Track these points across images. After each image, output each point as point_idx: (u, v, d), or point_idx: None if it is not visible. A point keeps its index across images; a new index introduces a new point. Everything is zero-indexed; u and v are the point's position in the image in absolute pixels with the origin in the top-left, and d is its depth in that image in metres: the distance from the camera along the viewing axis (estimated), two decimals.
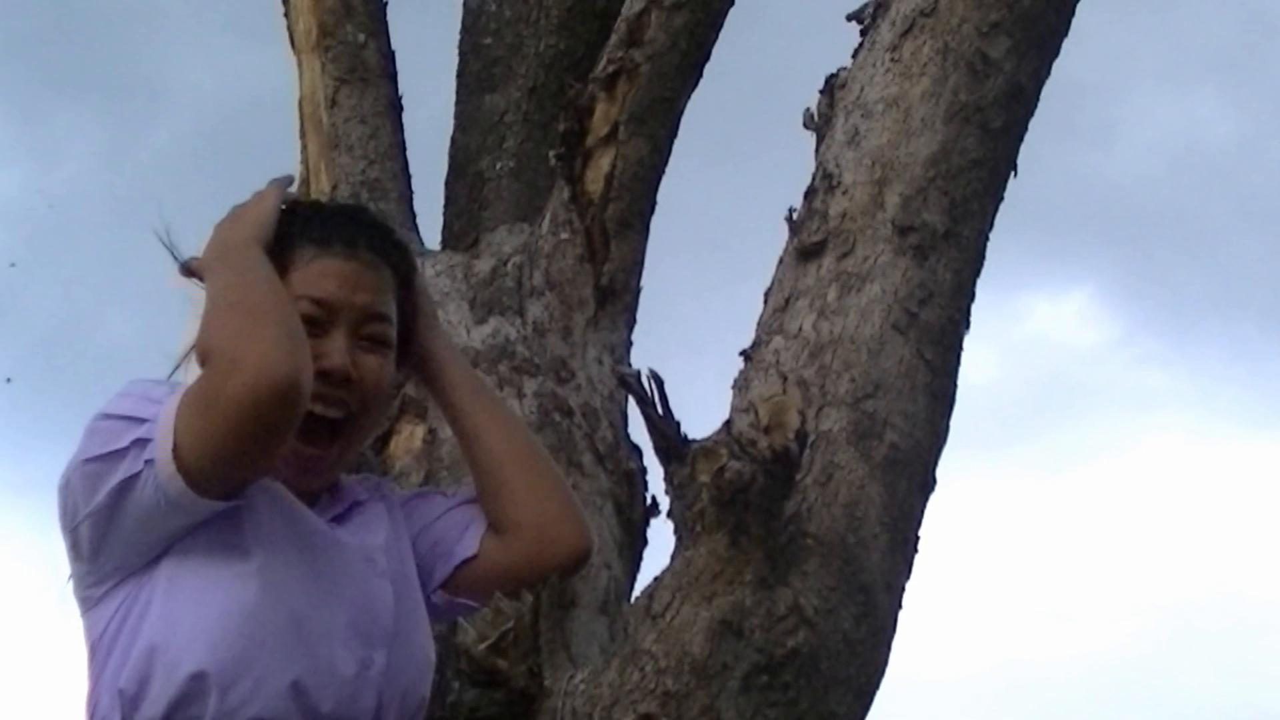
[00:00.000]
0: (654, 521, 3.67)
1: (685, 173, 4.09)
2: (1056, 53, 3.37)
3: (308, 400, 2.45)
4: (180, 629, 2.46)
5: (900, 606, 2.97)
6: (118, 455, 2.46)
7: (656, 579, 2.79)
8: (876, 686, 2.89)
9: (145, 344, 2.60)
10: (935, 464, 3.09)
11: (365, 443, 2.90)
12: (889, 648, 2.92)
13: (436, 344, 2.89)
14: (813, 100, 3.42)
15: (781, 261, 3.23)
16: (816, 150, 3.34)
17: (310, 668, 2.51)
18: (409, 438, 3.51)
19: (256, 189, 2.75)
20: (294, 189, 2.78)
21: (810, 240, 3.16)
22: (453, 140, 4.33)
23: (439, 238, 4.16)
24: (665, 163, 3.96)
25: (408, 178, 4.18)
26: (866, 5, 3.45)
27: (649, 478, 3.68)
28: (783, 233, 3.27)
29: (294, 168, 4.18)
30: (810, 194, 3.26)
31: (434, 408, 3.50)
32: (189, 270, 2.69)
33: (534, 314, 3.74)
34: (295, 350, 2.44)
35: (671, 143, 3.97)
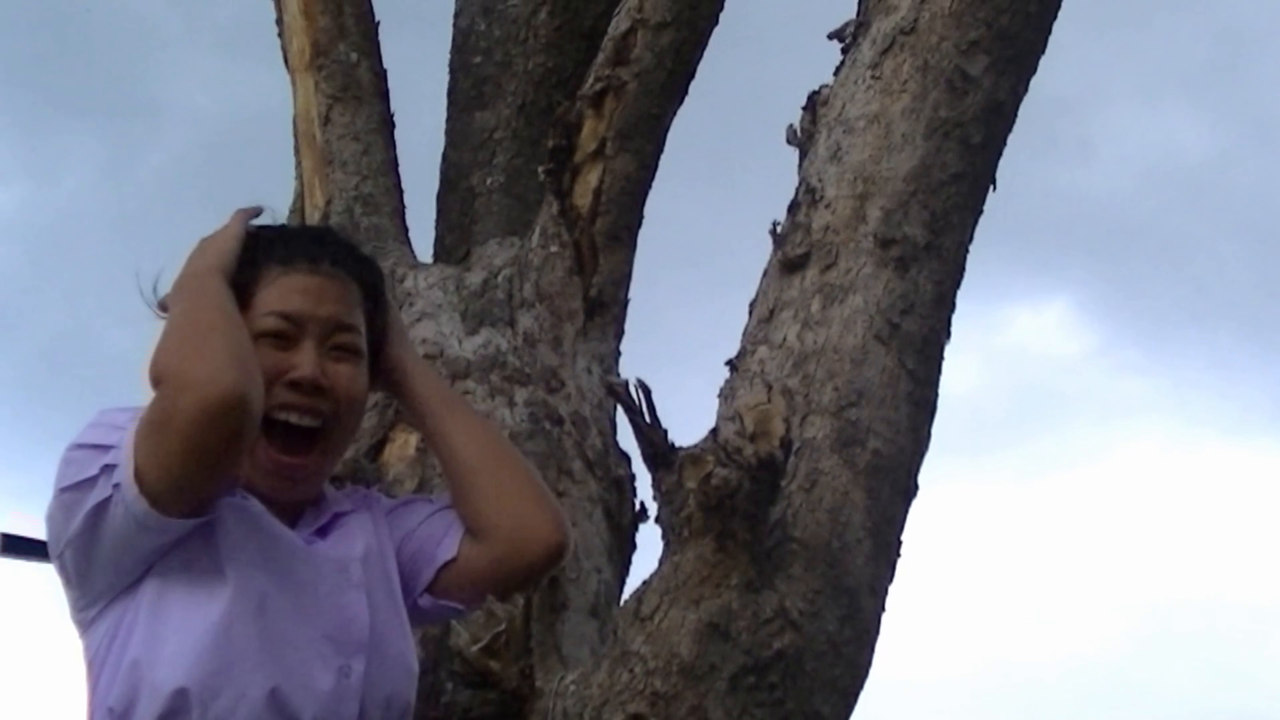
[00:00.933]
0: (643, 527, 3.68)
1: (672, 187, 4.10)
2: (1034, 70, 3.38)
3: (257, 415, 2.48)
4: (162, 648, 2.50)
5: (884, 609, 2.97)
6: (89, 483, 2.49)
7: (645, 583, 2.80)
8: (861, 687, 2.89)
9: (145, 355, 2.63)
10: (917, 470, 3.10)
11: (344, 451, 2.90)
12: (873, 649, 2.93)
13: (405, 356, 2.91)
14: (796, 116, 3.43)
15: (766, 273, 3.24)
16: (800, 165, 3.35)
17: (288, 679, 2.53)
18: (403, 445, 3.52)
19: (238, 209, 2.79)
20: (261, 218, 2.80)
21: (794, 253, 3.17)
22: (444, 156, 4.34)
23: (431, 251, 4.17)
24: (652, 178, 3.96)
25: (400, 193, 4.18)
26: (848, 24, 3.46)
27: (638, 484, 3.69)
28: (767, 245, 3.28)
29: (289, 184, 4.20)
30: (794, 208, 3.27)
31: None
32: (164, 306, 2.73)
33: (524, 325, 3.75)
34: (241, 367, 2.47)
35: (658, 158, 3.98)
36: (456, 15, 4.47)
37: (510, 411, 3.57)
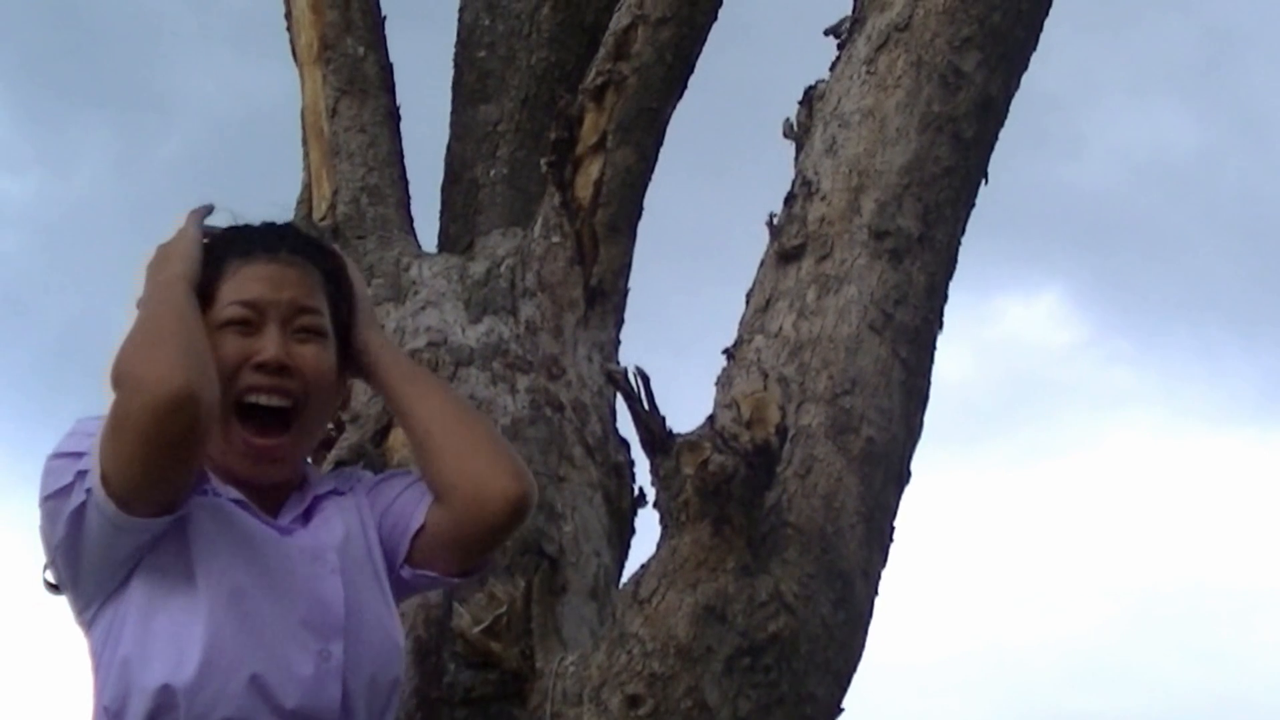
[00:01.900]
0: (641, 511, 3.68)
1: (671, 180, 4.09)
2: (1025, 66, 3.38)
3: (210, 413, 2.49)
4: (147, 646, 2.53)
5: (876, 593, 2.98)
6: (66, 490, 2.52)
7: (643, 566, 2.80)
8: (854, 669, 2.90)
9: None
10: (910, 457, 3.10)
11: (321, 432, 2.90)
12: (866, 632, 2.93)
13: (371, 338, 2.90)
14: (792, 111, 3.43)
15: (763, 264, 3.24)
16: (796, 158, 3.35)
17: (270, 667, 2.55)
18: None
19: (191, 210, 2.81)
20: (212, 218, 2.82)
21: (790, 244, 3.17)
22: (448, 148, 4.34)
23: (436, 241, 4.17)
24: (651, 170, 3.96)
25: (405, 184, 4.18)
26: (844, 20, 3.46)
27: (636, 470, 3.69)
28: (764, 237, 3.28)
29: (297, 175, 4.19)
30: (790, 200, 3.27)
31: None
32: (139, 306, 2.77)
33: (526, 314, 3.74)
34: (192, 366, 2.49)
35: (658, 151, 3.97)
36: (461, 10, 4.47)
37: (512, 398, 3.57)
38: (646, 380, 2.72)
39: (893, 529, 3.04)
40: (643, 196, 3.95)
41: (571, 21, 4.27)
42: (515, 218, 4.05)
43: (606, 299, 3.86)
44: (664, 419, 2.70)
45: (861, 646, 2.92)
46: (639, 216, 3.95)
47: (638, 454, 3.34)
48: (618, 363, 3.81)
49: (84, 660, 2.68)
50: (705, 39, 4.04)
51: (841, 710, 2.89)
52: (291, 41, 4.31)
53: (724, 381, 3.05)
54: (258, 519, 2.68)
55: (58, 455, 2.58)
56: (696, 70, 4.03)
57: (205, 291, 2.71)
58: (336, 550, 2.71)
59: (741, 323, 3.17)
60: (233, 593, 2.58)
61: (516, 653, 2.87)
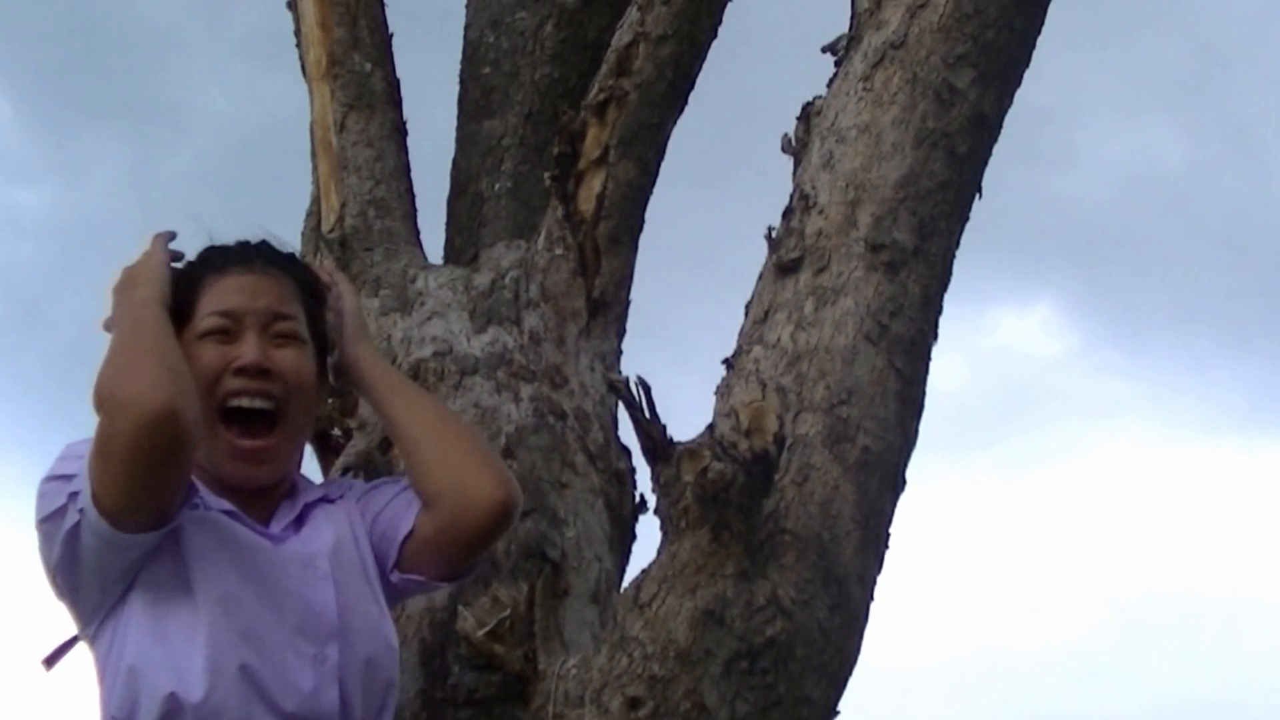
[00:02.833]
0: (642, 518, 3.68)
1: (672, 193, 4.10)
2: (1018, 83, 3.38)
3: (193, 427, 2.52)
4: (151, 656, 2.57)
5: (872, 598, 2.97)
6: (60, 512, 2.56)
7: (644, 571, 2.80)
8: (849, 673, 2.90)
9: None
10: (905, 466, 3.10)
11: (306, 433, 2.94)
12: (861, 636, 2.93)
13: (360, 352, 2.97)
14: (790, 126, 3.43)
15: (761, 276, 3.24)
16: (794, 173, 3.35)
17: (269, 673, 2.58)
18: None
19: (155, 234, 2.88)
20: (190, 239, 2.90)
21: (788, 257, 3.17)
22: (454, 162, 4.34)
23: (441, 253, 4.17)
24: (653, 184, 3.96)
25: (412, 197, 4.18)
26: (840, 38, 3.46)
27: (638, 477, 3.69)
28: (762, 250, 3.28)
29: (305, 188, 4.19)
30: (788, 214, 3.27)
31: None
32: (105, 326, 2.78)
33: (530, 324, 3.74)
34: (172, 383, 2.53)
35: (659, 165, 3.98)
36: (467, 28, 4.47)
37: (516, 406, 3.57)
38: (648, 389, 2.72)
39: (888, 535, 3.04)
40: (644, 209, 3.95)
41: (574, 39, 4.27)
42: (519, 230, 4.05)
43: (609, 310, 3.86)
44: (665, 427, 2.70)
45: (857, 650, 2.92)
46: (640, 229, 3.96)
47: (639, 461, 3.35)
48: (619, 372, 3.81)
49: (89, 669, 2.71)
50: (705, 56, 4.04)
51: (837, 712, 2.89)
52: (301, 57, 4.31)
53: (723, 391, 3.06)
54: (250, 529, 2.71)
55: (50, 479, 2.62)
56: (697, 86, 4.04)
57: (183, 308, 2.76)
58: (328, 557, 2.74)
59: (740, 333, 3.17)
60: (229, 602, 2.61)
61: (519, 655, 2.87)
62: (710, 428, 2.68)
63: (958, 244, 3.27)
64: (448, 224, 4.25)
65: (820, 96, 3.41)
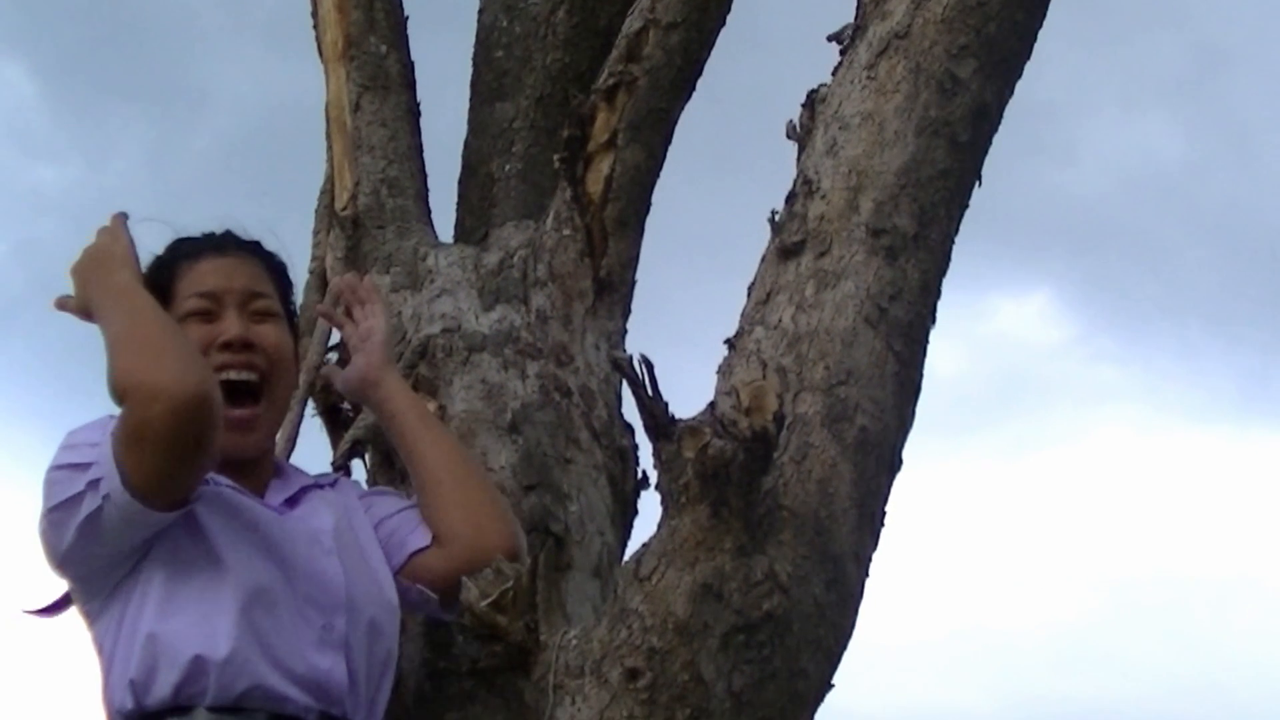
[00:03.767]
0: (644, 494, 3.68)
1: (678, 177, 4.10)
2: (1019, 75, 3.37)
3: (221, 407, 2.58)
4: (176, 622, 2.60)
5: (867, 575, 2.97)
6: (75, 499, 2.58)
7: (644, 546, 2.80)
8: (844, 648, 2.89)
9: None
10: (901, 446, 3.09)
11: (287, 404, 3.06)
12: (856, 613, 2.93)
13: (388, 375, 3.13)
14: (795, 113, 3.42)
15: (764, 259, 3.23)
16: (798, 159, 3.34)
17: (281, 636, 2.62)
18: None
19: (113, 214, 2.92)
20: (151, 232, 2.99)
21: (790, 240, 3.17)
22: (466, 144, 4.33)
23: (452, 232, 4.17)
24: (660, 168, 3.96)
25: (424, 177, 4.18)
26: (846, 27, 3.45)
27: (640, 454, 3.69)
28: (765, 233, 3.27)
29: (321, 167, 4.20)
30: (791, 198, 3.26)
31: (445, 385, 3.51)
32: (63, 305, 2.84)
33: (537, 303, 3.74)
34: (199, 368, 2.60)
35: (666, 149, 3.98)
36: (480, 12, 4.46)
37: (522, 383, 3.57)
38: (650, 368, 2.72)
39: (884, 514, 3.03)
40: (651, 193, 3.95)
41: (585, 24, 4.26)
42: (528, 211, 4.05)
43: (614, 290, 3.86)
44: (667, 405, 2.70)
45: (852, 626, 2.92)
46: (647, 212, 3.96)
47: (641, 438, 3.34)
48: (624, 351, 3.82)
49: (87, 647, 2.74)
50: (713, 43, 4.04)
51: (832, 686, 2.89)
52: (318, 40, 4.31)
53: (725, 370, 3.05)
54: (255, 502, 2.75)
55: (60, 468, 2.64)
56: (704, 73, 4.03)
57: (159, 296, 2.79)
58: (331, 535, 2.79)
59: (742, 314, 3.16)
60: (249, 572, 2.64)
61: (522, 626, 2.87)
62: (711, 406, 2.67)
63: (957, 231, 3.26)
64: (458, 204, 4.25)
65: (825, 84, 3.40)
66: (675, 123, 3.99)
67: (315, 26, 4.32)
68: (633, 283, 3.93)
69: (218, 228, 2.98)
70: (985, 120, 3.29)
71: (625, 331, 3.91)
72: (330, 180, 4.11)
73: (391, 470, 3.38)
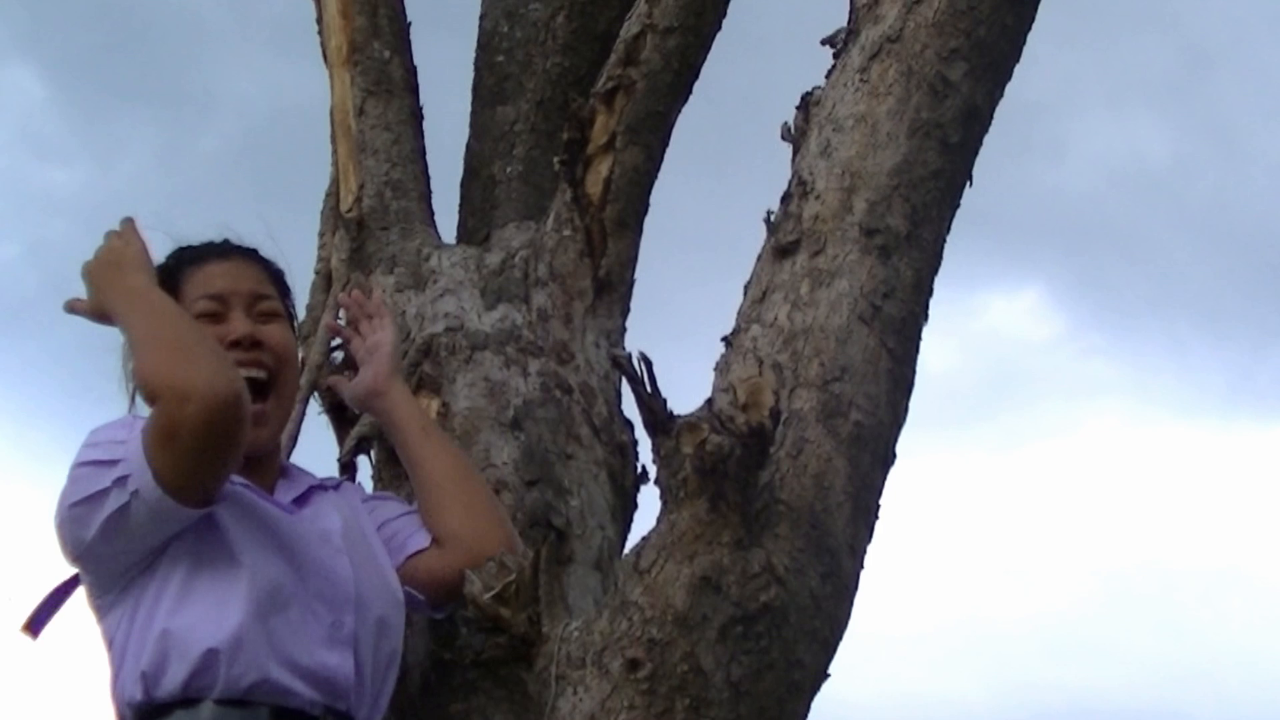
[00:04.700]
0: (643, 488, 3.68)
1: (676, 179, 4.10)
2: (1009, 77, 3.37)
3: (250, 407, 2.61)
4: (189, 618, 2.60)
5: (862, 567, 2.97)
6: (101, 495, 2.59)
7: (644, 539, 2.80)
8: (840, 639, 2.89)
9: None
10: (895, 441, 3.09)
11: (293, 403, 3.10)
12: (851, 604, 2.93)
13: (395, 385, 3.19)
14: (790, 115, 3.43)
15: (760, 259, 3.24)
16: (792, 160, 3.34)
17: (289, 631, 2.62)
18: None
19: (124, 219, 2.91)
20: (153, 242, 2.92)
21: (786, 240, 3.17)
22: (468, 147, 4.34)
23: (455, 233, 4.17)
24: (658, 169, 3.96)
25: (427, 179, 4.18)
26: (839, 31, 3.45)
27: (639, 449, 3.69)
28: (761, 233, 3.27)
29: (325, 170, 4.20)
30: (786, 199, 3.26)
31: (448, 382, 3.52)
32: (73, 308, 2.86)
33: (538, 302, 3.75)
34: (228, 368, 2.61)
35: (664, 151, 3.98)
36: (481, 18, 4.47)
37: (524, 381, 3.57)
38: (649, 365, 2.72)
39: (878, 507, 3.04)
40: (649, 194, 3.95)
41: (585, 29, 4.27)
42: (529, 212, 4.05)
43: (614, 289, 3.86)
44: (665, 401, 2.70)
45: (847, 617, 2.92)
46: (645, 212, 3.96)
47: (641, 434, 3.34)
48: (623, 349, 3.82)
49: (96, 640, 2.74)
50: (710, 47, 4.04)
51: (828, 676, 2.89)
52: (322, 44, 4.31)
53: (722, 367, 3.05)
54: (267, 500, 2.76)
55: (84, 464, 2.64)
56: (701, 76, 4.03)
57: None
58: (340, 534, 2.81)
59: (739, 313, 3.17)
60: (263, 569, 2.65)
61: (524, 618, 2.88)
62: (709, 402, 2.67)
63: (949, 230, 3.27)
64: (461, 205, 4.26)
65: (819, 87, 3.40)
66: (673, 125, 3.99)
67: (320, 32, 4.32)
68: (632, 282, 3.93)
69: (216, 236, 3.02)
70: (976, 122, 3.29)
71: (624, 329, 3.92)
72: (335, 183, 4.11)
73: (396, 466, 3.38)
